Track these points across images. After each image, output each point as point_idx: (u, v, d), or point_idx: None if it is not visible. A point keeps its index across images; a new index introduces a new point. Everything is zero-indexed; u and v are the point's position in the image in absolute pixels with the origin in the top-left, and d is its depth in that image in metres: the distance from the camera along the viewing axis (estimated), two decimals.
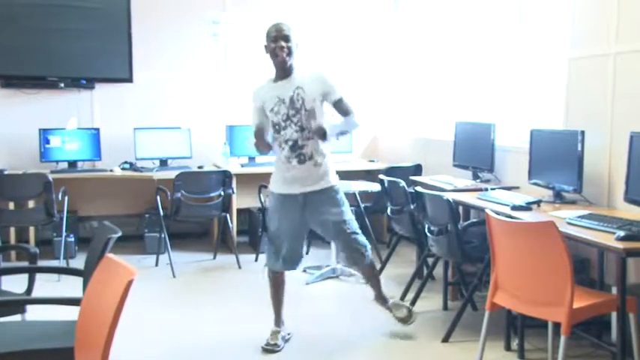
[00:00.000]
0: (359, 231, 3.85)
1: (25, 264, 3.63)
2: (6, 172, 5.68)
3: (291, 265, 3.91)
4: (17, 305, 3.11)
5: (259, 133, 3.77)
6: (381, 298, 4.07)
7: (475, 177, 5.01)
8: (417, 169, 6.04)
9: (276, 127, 3.70)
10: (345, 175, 6.16)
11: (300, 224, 3.81)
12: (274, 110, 3.70)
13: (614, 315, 3.13)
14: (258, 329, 4.13)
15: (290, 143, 3.67)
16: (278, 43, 3.61)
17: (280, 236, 3.82)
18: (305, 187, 3.72)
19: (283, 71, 3.70)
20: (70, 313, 2.38)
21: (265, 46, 3.71)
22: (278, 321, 3.93)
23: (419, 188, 4.40)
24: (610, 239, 2.91)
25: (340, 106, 3.79)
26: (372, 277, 4.04)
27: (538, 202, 3.82)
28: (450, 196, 4.01)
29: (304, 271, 5.47)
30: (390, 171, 5.69)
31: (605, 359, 3.49)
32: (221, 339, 3.97)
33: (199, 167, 6.26)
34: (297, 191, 3.72)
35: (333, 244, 4.99)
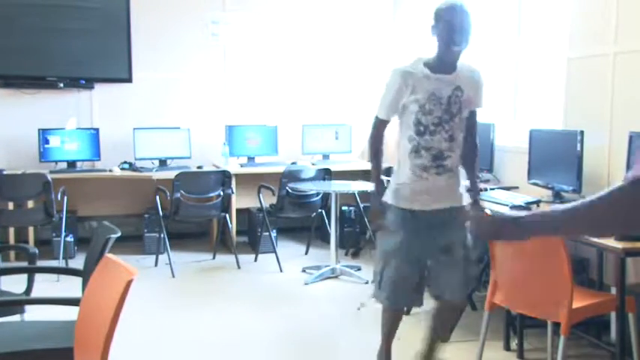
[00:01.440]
0: None
1: (24, 264, 3.63)
2: (5, 172, 5.68)
3: (418, 298, 3.17)
4: (16, 305, 3.11)
5: (384, 126, 3.23)
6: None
7: None
8: None
9: (421, 128, 3.00)
10: (344, 175, 6.18)
11: (427, 247, 3.07)
12: (426, 109, 2.98)
13: (613, 315, 3.13)
14: (257, 329, 4.14)
15: (434, 152, 3.01)
16: (464, 24, 2.99)
17: (405, 262, 3.05)
18: (439, 203, 3.04)
19: (450, 64, 3.03)
20: (70, 314, 2.38)
21: (434, 27, 3.05)
22: None
23: None
24: (609, 239, 2.91)
25: (472, 119, 3.15)
26: (458, 316, 3.28)
27: (537, 202, 3.82)
28: None
29: (303, 271, 5.48)
30: (390, 171, 5.68)
31: (605, 359, 3.50)
32: (220, 339, 3.97)
33: (199, 167, 6.26)
34: (428, 207, 3.04)
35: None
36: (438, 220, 3.04)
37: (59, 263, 5.51)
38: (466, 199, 3.12)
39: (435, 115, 2.98)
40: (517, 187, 4.54)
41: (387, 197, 3.15)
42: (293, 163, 6.23)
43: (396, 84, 3.03)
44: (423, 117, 2.99)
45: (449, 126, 3.00)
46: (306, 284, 5.15)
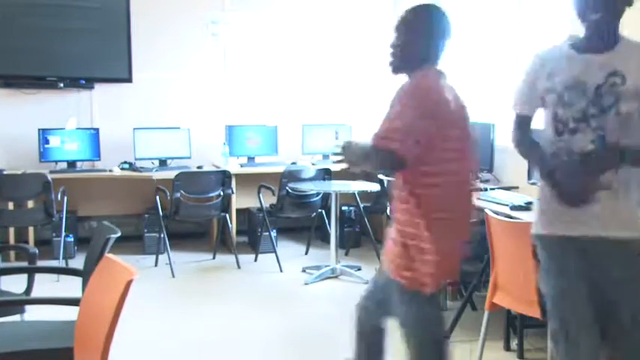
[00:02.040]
0: None
1: (24, 264, 3.64)
2: (5, 172, 5.68)
3: None
4: (16, 305, 3.11)
5: (525, 124, 2.50)
6: None
7: (474, 177, 5.00)
8: None
9: (559, 126, 2.32)
10: (344, 175, 6.18)
11: (595, 294, 2.26)
12: (565, 100, 2.29)
13: None
14: (257, 329, 4.14)
15: (577, 158, 2.26)
16: None
17: (570, 319, 2.29)
18: (605, 230, 2.25)
19: (605, 41, 2.28)
20: (70, 314, 2.38)
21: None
22: None
23: None
24: None
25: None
26: None
27: None
28: None
29: (303, 271, 5.48)
30: None
31: (604, 359, 3.49)
32: (220, 339, 3.97)
33: (199, 167, 6.26)
34: (587, 233, 2.26)
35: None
36: (598, 251, 2.25)
37: (59, 263, 5.52)
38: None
39: (577, 106, 2.24)
40: (517, 187, 4.54)
41: (537, 227, 2.40)
42: (293, 163, 6.24)
43: (531, 69, 2.39)
44: (561, 109, 2.29)
45: (597, 123, 2.22)
46: (306, 284, 5.15)
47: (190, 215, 5.80)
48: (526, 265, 3.05)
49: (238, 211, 6.28)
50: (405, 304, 2.47)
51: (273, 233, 6.00)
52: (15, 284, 3.34)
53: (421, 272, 2.39)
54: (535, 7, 4.91)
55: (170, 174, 5.73)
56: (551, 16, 4.69)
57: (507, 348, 3.77)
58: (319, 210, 6.08)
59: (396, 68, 2.77)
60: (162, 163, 6.34)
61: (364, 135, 7.34)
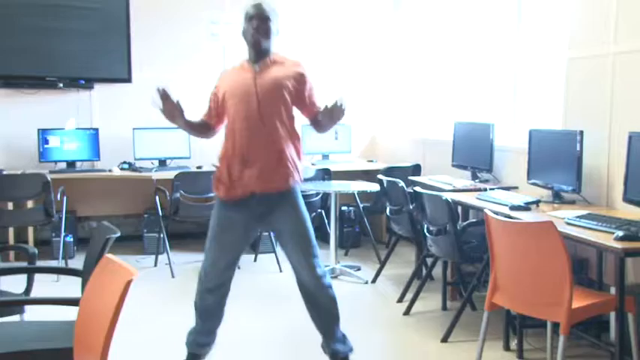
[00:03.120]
0: None
1: (23, 264, 3.63)
2: (5, 172, 5.69)
3: None
4: (16, 305, 3.11)
5: None
6: None
7: (474, 177, 5.01)
8: (416, 169, 6.05)
9: None
10: (344, 175, 6.19)
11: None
12: None
13: (612, 315, 3.13)
14: (257, 328, 4.14)
15: None
16: None
17: None
18: None
19: None
20: (69, 314, 2.38)
21: None
22: None
23: (418, 188, 4.41)
24: (609, 239, 2.91)
25: None
26: None
27: (537, 202, 3.82)
28: (448, 196, 4.02)
29: None
30: (389, 171, 5.69)
31: (604, 359, 3.50)
32: (220, 338, 3.96)
33: (198, 167, 6.26)
34: None
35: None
36: None
37: (59, 263, 5.52)
38: None
39: None
40: (517, 187, 4.54)
41: None
42: None
43: None
44: None
45: None
46: None
47: (190, 215, 5.80)
48: (526, 265, 3.05)
49: None
50: None
51: (273, 233, 5.99)
52: (14, 284, 3.33)
53: None
54: (535, 10, 4.91)
55: (170, 174, 5.73)
56: (551, 19, 4.69)
57: (507, 348, 3.77)
58: (319, 210, 6.08)
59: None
60: (162, 163, 6.34)
61: (363, 135, 7.37)
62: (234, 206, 3.24)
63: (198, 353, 3.44)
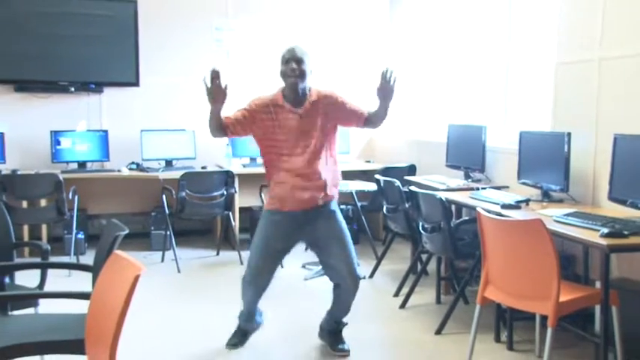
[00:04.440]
0: None
1: (37, 260, 3.64)
2: (19, 172, 5.70)
3: None
4: (30, 299, 3.12)
5: None
6: None
7: (467, 177, 5.02)
8: (412, 170, 6.05)
9: None
10: (342, 175, 6.18)
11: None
12: None
13: (597, 308, 3.14)
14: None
15: None
16: None
17: None
18: None
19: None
20: (80, 307, 2.39)
21: None
22: None
23: (413, 188, 4.41)
24: (594, 236, 2.92)
25: None
26: None
27: (527, 201, 3.83)
28: (442, 195, 4.02)
29: (303, 266, 5.49)
30: (386, 171, 5.70)
31: (589, 350, 3.51)
32: (223, 331, 3.97)
33: (203, 167, 6.27)
34: None
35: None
36: None
37: (70, 259, 5.53)
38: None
39: None
40: (507, 187, 4.55)
41: None
42: None
43: None
44: None
45: None
46: (305, 279, 5.16)
47: (195, 213, 5.81)
48: (516, 260, 3.06)
49: (241, 209, 6.29)
50: None
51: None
52: (29, 279, 3.35)
53: None
54: (525, 17, 4.91)
55: (176, 174, 5.74)
56: (540, 24, 4.70)
57: (497, 340, 3.78)
58: None
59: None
60: (168, 163, 6.35)
61: (361, 137, 7.36)
62: (284, 219, 3.50)
63: (250, 329, 3.77)
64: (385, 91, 3.45)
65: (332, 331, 3.70)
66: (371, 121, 3.56)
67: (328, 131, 3.48)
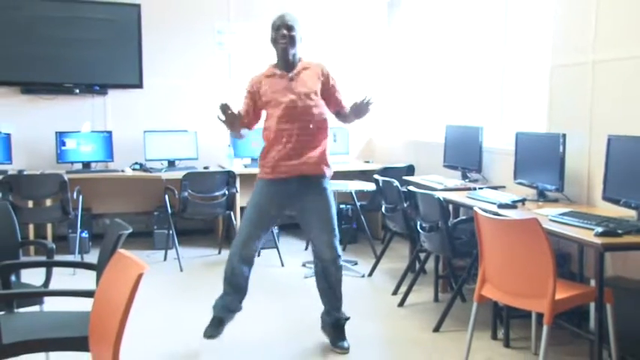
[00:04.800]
0: None
1: (42, 258, 3.65)
2: (25, 173, 5.70)
3: None
4: (36, 297, 3.12)
5: None
6: None
7: (464, 177, 5.02)
8: (410, 170, 6.05)
9: None
10: (342, 175, 6.19)
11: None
12: None
13: (592, 305, 3.14)
14: (260, 319, 4.15)
15: None
16: None
17: None
18: None
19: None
20: (85, 305, 2.39)
21: None
22: None
23: (411, 187, 4.41)
24: (589, 235, 2.92)
25: None
26: None
27: (523, 201, 3.83)
28: (440, 194, 4.02)
29: (304, 265, 5.49)
30: (385, 171, 5.70)
31: (584, 347, 3.51)
32: (225, 328, 3.97)
33: (205, 168, 6.27)
34: None
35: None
36: None
37: (75, 258, 5.53)
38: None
39: None
40: (504, 187, 4.55)
41: None
42: None
43: None
44: None
45: None
46: (305, 277, 5.16)
47: (197, 213, 5.81)
48: (512, 259, 3.06)
49: (242, 209, 6.25)
50: None
51: (275, 230, 6.00)
52: (34, 277, 3.34)
53: None
54: (520, 21, 4.91)
55: (178, 174, 5.74)
56: (536, 27, 4.70)
57: (494, 337, 3.78)
58: None
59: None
60: (171, 163, 6.35)
61: (360, 138, 7.36)
62: (275, 186, 3.55)
63: (224, 317, 3.68)
64: (360, 110, 3.58)
65: (334, 325, 3.69)
66: (344, 118, 3.71)
67: (317, 94, 3.53)
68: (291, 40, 3.45)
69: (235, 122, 3.52)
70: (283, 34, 3.43)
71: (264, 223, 3.64)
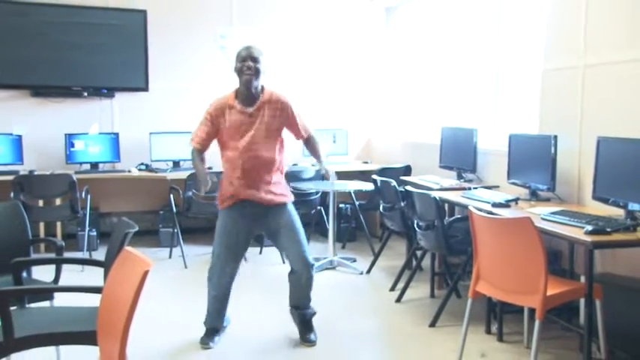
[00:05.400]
0: None
1: (52, 255, 3.65)
2: (36, 173, 5.70)
3: None
4: (46, 293, 3.13)
5: None
6: None
7: (459, 177, 5.03)
8: (407, 170, 6.06)
9: None
10: (341, 176, 6.19)
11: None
12: None
13: (582, 301, 3.15)
14: (262, 315, 4.15)
15: None
16: None
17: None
18: None
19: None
20: (93, 300, 2.40)
21: None
22: None
23: (408, 187, 4.42)
24: (579, 233, 2.93)
25: None
26: None
27: (516, 200, 3.83)
28: (436, 194, 4.03)
29: None
30: (383, 171, 5.70)
31: (574, 340, 3.52)
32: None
33: (209, 168, 6.23)
34: None
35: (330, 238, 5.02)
36: None
37: (83, 255, 5.54)
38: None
39: None
40: (498, 186, 4.55)
41: None
42: (294, 165, 6.25)
43: None
44: None
45: None
46: None
47: (201, 212, 5.80)
48: (506, 256, 3.07)
49: None
50: None
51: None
52: (45, 274, 3.36)
53: None
54: (513, 24, 4.92)
55: (183, 174, 5.75)
56: (528, 33, 4.71)
57: (488, 331, 3.79)
58: (318, 207, 6.09)
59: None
60: (176, 164, 6.35)
61: (359, 139, 7.36)
62: (238, 213, 3.57)
63: (218, 327, 3.69)
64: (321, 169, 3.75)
65: (301, 322, 3.71)
66: (307, 145, 3.78)
67: (274, 132, 3.53)
68: (256, 72, 3.43)
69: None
70: (249, 66, 3.42)
71: (238, 247, 3.64)
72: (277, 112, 3.54)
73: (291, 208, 3.66)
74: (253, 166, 3.50)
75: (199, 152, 3.59)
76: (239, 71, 3.48)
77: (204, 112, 3.62)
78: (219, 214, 3.68)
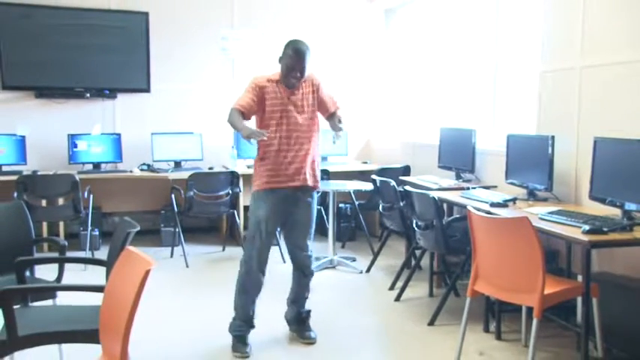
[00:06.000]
0: None
1: (55, 255, 3.65)
2: (39, 173, 5.70)
3: None
4: (49, 291, 3.13)
5: None
6: None
7: (458, 177, 5.03)
8: (406, 170, 6.06)
9: None
10: (341, 176, 6.20)
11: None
12: None
13: (579, 300, 3.15)
14: (262, 314, 4.15)
15: None
16: None
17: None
18: None
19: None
20: (95, 299, 2.40)
21: None
22: None
23: (408, 187, 4.42)
24: (577, 233, 2.93)
25: None
26: None
27: (514, 200, 3.83)
28: (435, 194, 4.03)
29: None
30: (382, 171, 5.70)
31: (572, 339, 3.52)
32: (229, 322, 3.98)
33: (210, 168, 6.27)
34: None
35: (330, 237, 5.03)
36: None
37: (86, 254, 5.53)
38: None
39: None
40: (496, 186, 4.55)
41: None
42: None
43: None
44: None
45: None
46: None
47: (202, 212, 5.81)
48: (504, 256, 3.06)
49: (245, 207, 6.25)
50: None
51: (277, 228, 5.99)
52: (48, 273, 3.36)
53: None
54: (511, 26, 4.92)
55: (184, 174, 5.75)
56: (526, 34, 4.71)
57: (486, 330, 3.79)
58: (318, 207, 6.07)
59: None
60: (177, 164, 6.35)
61: (359, 139, 7.36)
62: (276, 196, 3.51)
63: (245, 335, 3.60)
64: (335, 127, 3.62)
65: (299, 321, 3.74)
66: (330, 119, 3.67)
67: (312, 113, 3.56)
68: (301, 71, 3.44)
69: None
70: (297, 76, 3.43)
71: (271, 233, 3.60)
72: (313, 88, 3.58)
73: (314, 198, 3.67)
74: (298, 148, 3.50)
75: (241, 114, 3.41)
76: (286, 73, 3.43)
77: (248, 83, 3.53)
78: (256, 197, 3.55)
